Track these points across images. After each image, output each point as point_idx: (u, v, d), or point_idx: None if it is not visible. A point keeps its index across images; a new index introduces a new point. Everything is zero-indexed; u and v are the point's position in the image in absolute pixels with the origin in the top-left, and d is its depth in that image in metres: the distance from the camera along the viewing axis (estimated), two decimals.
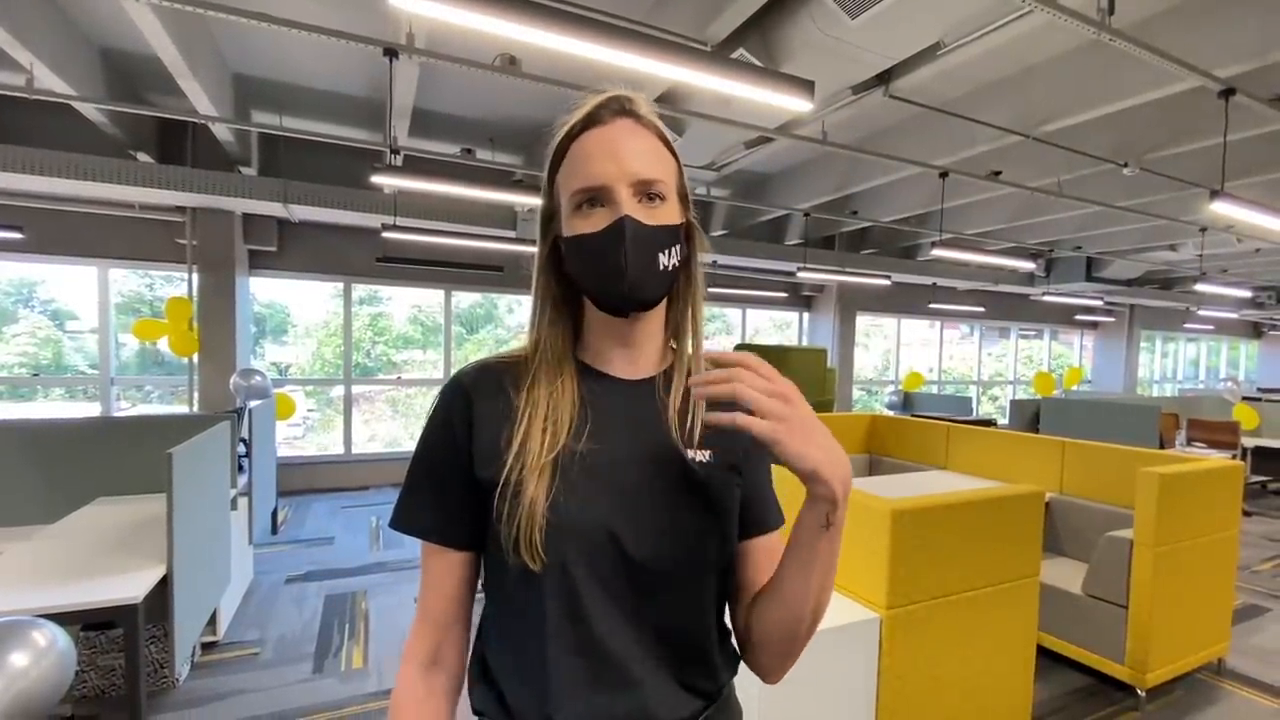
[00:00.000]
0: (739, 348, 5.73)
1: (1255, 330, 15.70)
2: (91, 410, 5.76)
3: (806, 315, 9.71)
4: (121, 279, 5.99)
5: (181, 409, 5.88)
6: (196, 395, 5.64)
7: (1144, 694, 2.57)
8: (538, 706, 0.65)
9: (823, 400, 5.72)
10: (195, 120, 4.08)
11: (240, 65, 4.24)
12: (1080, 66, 3.65)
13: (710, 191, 6.27)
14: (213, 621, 3.00)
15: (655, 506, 0.67)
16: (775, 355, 5.72)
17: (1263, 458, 6.20)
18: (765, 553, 0.75)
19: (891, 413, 8.63)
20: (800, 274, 7.10)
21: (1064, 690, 2.71)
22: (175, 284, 5.95)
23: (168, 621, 2.13)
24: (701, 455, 0.69)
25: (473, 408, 0.69)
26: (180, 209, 5.49)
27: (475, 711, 0.71)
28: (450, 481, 0.69)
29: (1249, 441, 6.19)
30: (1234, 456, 5.71)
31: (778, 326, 9.92)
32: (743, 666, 0.76)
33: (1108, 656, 2.64)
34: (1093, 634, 2.70)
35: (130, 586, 1.99)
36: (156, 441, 2.61)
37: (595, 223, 0.65)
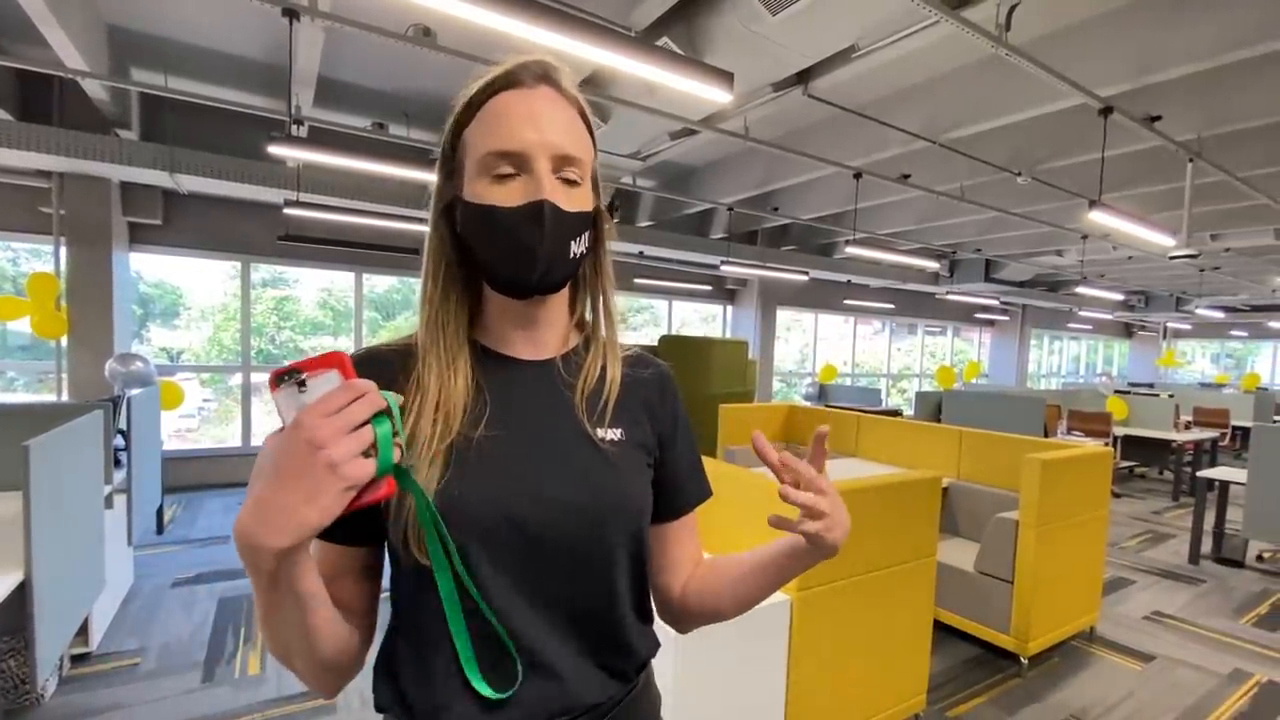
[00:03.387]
0: (663, 339, 5.76)
1: (1127, 330, 17.43)
2: None
3: (730, 308, 9.91)
4: None
5: (48, 398, 5.30)
6: (65, 382, 5.09)
7: (1026, 661, 2.78)
8: (436, 699, 0.62)
9: (743, 390, 5.85)
10: (62, 75, 3.65)
11: (116, 17, 3.82)
12: (981, 79, 3.88)
13: (636, 181, 6.25)
14: (84, 630, 2.72)
15: (560, 487, 0.64)
16: (699, 347, 5.79)
17: (1130, 445, 6.87)
18: (691, 528, 0.78)
19: (808, 403, 8.98)
20: (724, 268, 7.23)
21: (957, 660, 2.90)
22: (43, 258, 5.33)
23: (27, 632, 1.91)
24: (612, 434, 0.68)
25: None
26: (45, 174, 4.90)
27: (378, 708, 0.67)
28: None
29: (1119, 430, 6.84)
30: (1106, 444, 6.30)
31: (703, 319, 10.08)
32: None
33: (995, 628, 2.84)
34: (983, 608, 2.90)
35: None
36: (14, 433, 2.33)
37: (510, 195, 0.61)
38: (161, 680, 2.60)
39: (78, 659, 2.69)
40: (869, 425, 4.12)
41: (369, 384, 0.49)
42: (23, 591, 1.89)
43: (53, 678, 2.49)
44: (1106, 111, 3.50)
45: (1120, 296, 8.92)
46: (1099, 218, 4.08)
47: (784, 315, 10.09)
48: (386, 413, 0.49)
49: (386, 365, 0.66)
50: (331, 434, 0.46)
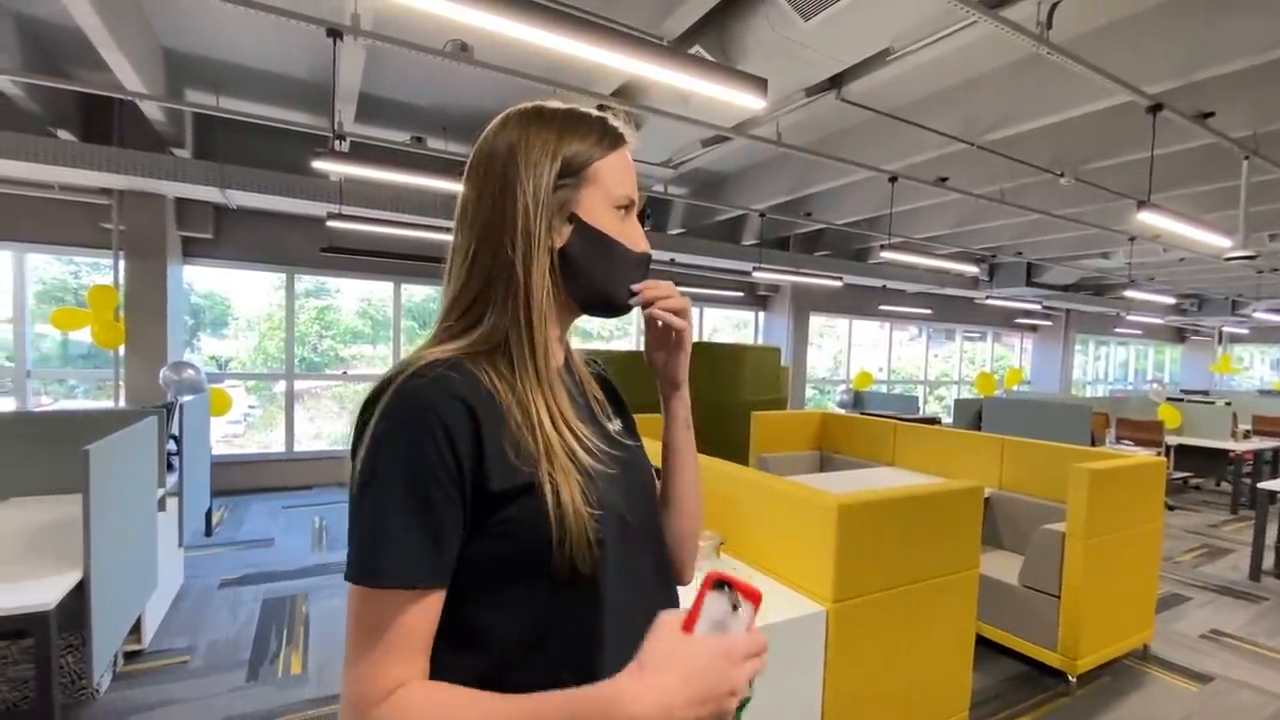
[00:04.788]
0: (695, 346, 5.72)
1: (1179, 335, 16.72)
2: (7, 405, 5.37)
3: (762, 314, 9.84)
4: (43, 265, 5.61)
5: (107, 404, 5.55)
6: (123, 389, 5.32)
7: (1075, 680, 2.68)
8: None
9: (776, 398, 5.79)
10: (122, 96, 3.84)
11: (172, 40, 4.00)
12: (1021, 79, 3.79)
13: (668, 189, 6.27)
14: (138, 629, 2.83)
15: (639, 479, 0.73)
16: (731, 354, 5.75)
17: (1184, 455, 6.57)
18: None
19: (842, 411, 8.83)
20: (756, 274, 7.19)
21: (1001, 678, 2.81)
22: (103, 271, 5.60)
23: (85, 629, 1.99)
24: (616, 425, 0.76)
25: (479, 420, 0.59)
26: (106, 191, 5.16)
27: None
28: (448, 510, 0.58)
29: (1172, 440, 6.56)
30: (1158, 454, 6.04)
31: (735, 326, 10.02)
32: None
33: (1042, 645, 2.74)
34: (1028, 623, 2.80)
35: (42, 592, 1.86)
36: (75, 438, 2.44)
37: (630, 236, 0.71)
38: (209, 678, 2.68)
39: (131, 656, 2.80)
40: (906, 433, 4.03)
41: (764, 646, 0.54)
42: (81, 590, 1.97)
43: (107, 674, 2.60)
44: (1155, 109, 3.38)
45: (1172, 300, 8.56)
46: (1149, 219, 3.93)
47: (817, 321, 9.97)
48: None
49: (477, 383, 0.62)
50: (743, 683, 0.52)
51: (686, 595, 0.68)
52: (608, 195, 0.68)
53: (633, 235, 0.71)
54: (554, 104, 0.69)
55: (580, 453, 0.64)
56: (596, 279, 0.69)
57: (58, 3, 2.84)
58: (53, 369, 5.76)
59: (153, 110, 4.22)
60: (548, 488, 0.59)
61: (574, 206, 0.66)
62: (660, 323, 0.73)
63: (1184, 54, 3.09)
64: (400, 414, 0.58)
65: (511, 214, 0.64)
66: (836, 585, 1.86)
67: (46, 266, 5.67)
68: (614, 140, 0.70)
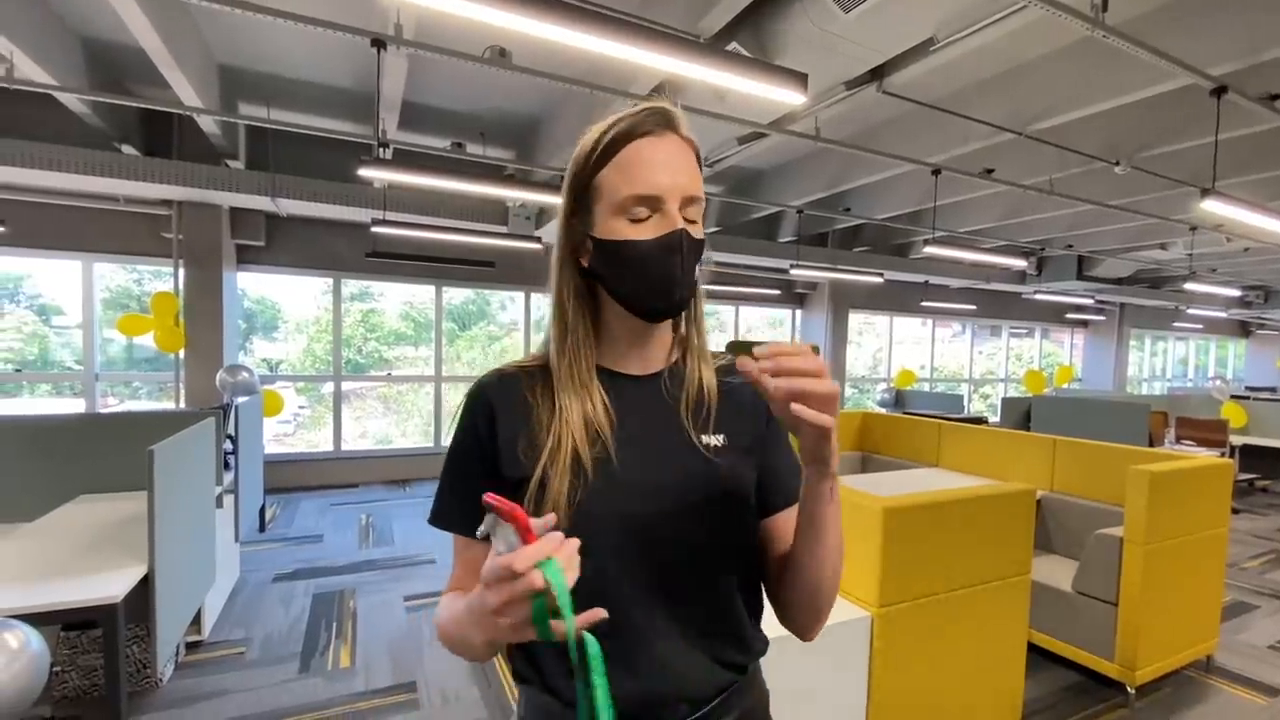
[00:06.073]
0: (730, 344, 5.70)
1: (1243, 329, 15.86)
2: (77, 406, 5.68)
3: (799, 313, 9.71)
4: (109, 273, 5.91)
5: (168, 405, 5.81)
6: (183, 391, 5.57)
7: (1133, 691, 2.57)
8: (569, 683, 0.68)
9: None
10: (180, 112, 4.02)
11: (226, 56, 4.17)
12: (1072, 64, 3.65)
13: (703, 187, 6.23)
14: (198, 620, 2.96)
15: (673, 492, 0.71)
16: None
17: (1250, 456, 6.24)
18: (790, 525, 0.77)
19: (883, 410, 8.65)
20: (793, 271, 7.09)
21: (1054, 688, 2.71)
22: (163, 279, 5.87)
23: (149, 621, 2.09)
24: (716, 440, 0.74)
25: (495, 413, 0.73)
26: (166, 202, 5.42)
27: (516, 678, 0.76)
28: (475, 481, 0.72)
29: (1237, 440, 6.23)
30: (1222, 454, 5.75)
31: (771, 324, 9.92)
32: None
33: (1097, 654, 2.64)
34: (1083, 631, 2.70)
35: (110, 585, 1.95)
36: (139, 438, 2.57)
37: (646, 230, 0.69)
38: (263, 669, 2.79)
39: (192, 646, 2.93)
40: (951, 433, 3.93)
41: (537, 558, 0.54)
42: (146, 583, 2.07)
43: (170, 663, 2.72)
44: (1219, 92, 3.21)
45: (1236, 292, 8.13)
46: (1213, 207, 3.74)
47: (856, 319, 9.79)
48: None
49: (514, 383, 0.75)
50: (497, 601, 0.55)
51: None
52: (610, 204, 0.69)
53: (649, 227, 0.69)
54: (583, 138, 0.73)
55: (587, 457, 0.69)
56: (622, 283, 0.72)
57: (122, 25, 2.99)
58: (118, 372, 6.07)
59: (209, 124, 4.41)
60: (535, 482, 0.69)
61: (590, 229, 0.72)
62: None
63: (1249, 33, 2.93)
64: (461, 405, 0.76)
65: (553, 260, 0.76)
66: (882, 590, 1.82)
67: (112, 275, 5.98)
68: (610, 147, 0.70)
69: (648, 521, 0.70)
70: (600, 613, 0.56)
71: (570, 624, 0.53)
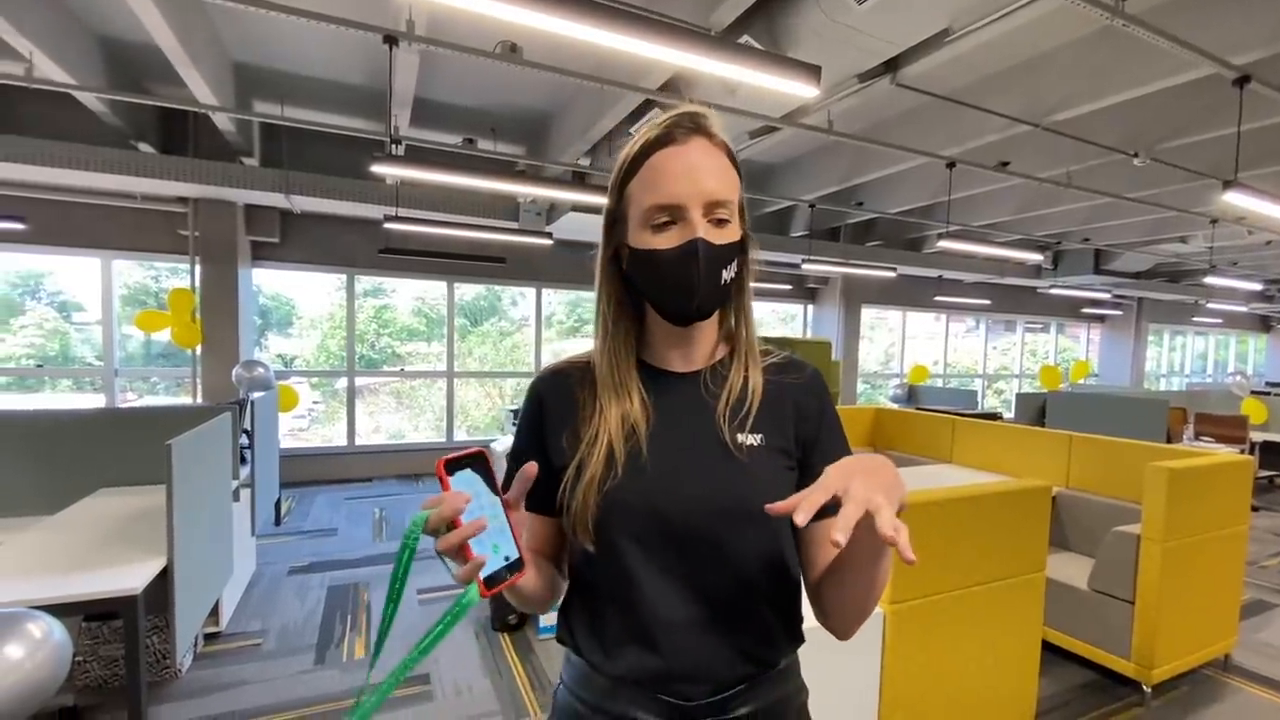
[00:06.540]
0: None
1: (1264, 324, 15.57)
2: (97, 401, 5.77)
3: (811, 308, 9.66)
4: (127, 270, 5.99)
5: (185, 401, 5.89)
6: (200, 387, 5.64)
7: (1150, 690, 2.54)
8: (596, 654, 0.76)
9: None
10: (196, 110, 4.06)
11: (240, 53, 4.21)
12: (1091, 54, 3.59)
13: None
14: (215, 612, 3.01)
15: (698, 488, 0.73)
16: (779, 348, 5.68)
17: (1271, 452, 6.14)
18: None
19: (896, 406, 8.59)
20: (805, 266, 7.06)
21: (1069, 685, 2.69)
22: (180, 275, 5.94)
23: (168, 612, 2.12)
24: (752, 439, 0.76)
25: (545, 408, 0.80)
26: (182, 200, 5.48)
27: (559, 640, 0.82)
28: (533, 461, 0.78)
29: (1257, 436, 6.13)
30: (1242, 451, 5.66)
31: (782, 319, 9.88)
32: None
33: (1113, 652, 2.61)
34: (1098, 629, 2.67)
35: (130, 577, 1.98)
36: (158, 433, 2.61)
37: (668, 239, 0.71)
38: (280, 660, 2.83)
39: (210, 637, 2.98)
40: (965, 429, 3.90)
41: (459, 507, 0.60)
42: (165, 575, 2.10)
43: (189, 654, 2.76)
44: (1242, 81, 3.15)
45: (1257, 286, 7.94)
46: (1235, 199, 3.68)
47: (868, 313, 9.72)
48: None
49: (565, 379, 0.81)
50: (445, 548, 0.60)
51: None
52: (637, 213, 0.73)
53: (671, 236, 0.71)
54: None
55: (620, 450, 0.73)
56: (650, 289, 0.76)
57: (138, 23, 3.02)
58: (137, 368, 6.16)
59: (224, 121, 4.45)
60: (572, 469, 0.74)
61: (624, 237, 0.76)
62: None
63: (1273, 21, 2.87)
64: (525, 396, 0.84)
65: (597, 264, 0.81)
66: (894, 586, 1.81)
67: (130, 271, 6.06)
68: (639, 157, 0.73)
69: (669, 513, 0.73)
70: (479, 560, 0.59)
71: (400, 563, 0.61)
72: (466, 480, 0.61)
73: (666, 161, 0.71)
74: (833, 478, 0.56)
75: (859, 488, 0.54)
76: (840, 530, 0.50)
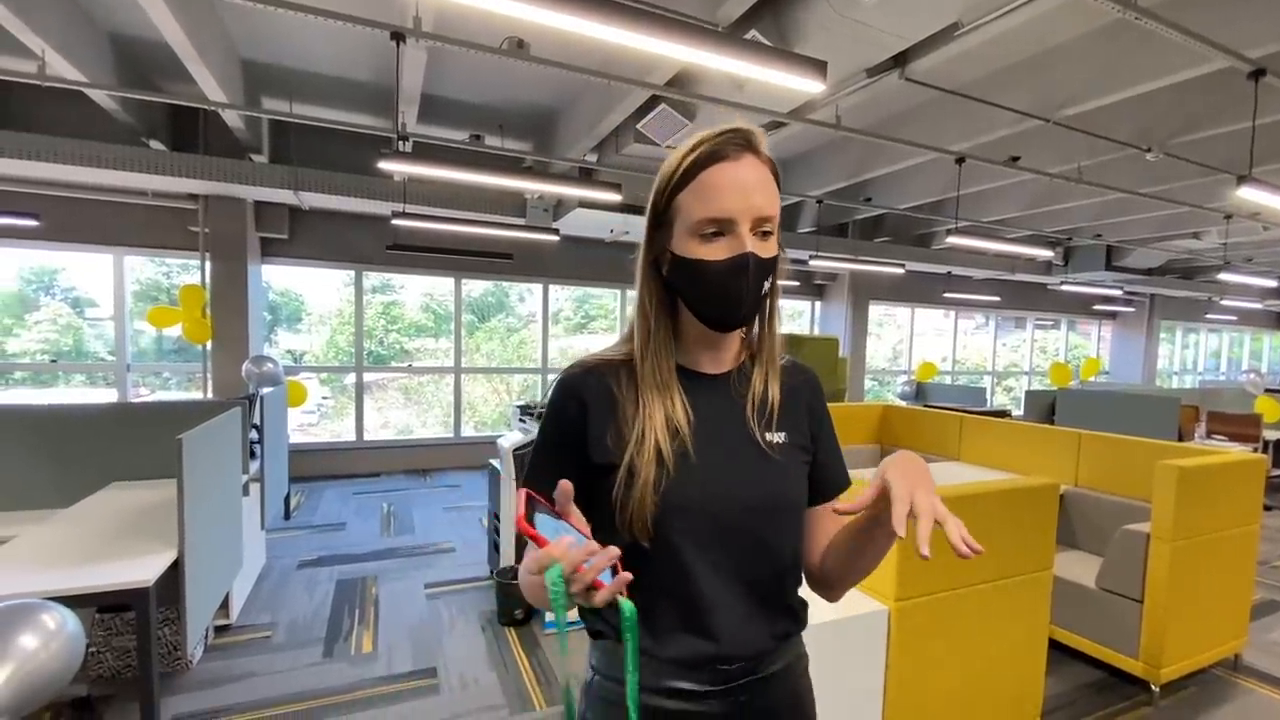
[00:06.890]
0: None
1: (1279, 321, 15.38)
2: (109, 396, 5.84)
3: (818, 304, 9.62)
4: (139, 266, 6.05)
5: (196, 395, 5.95)
6: (210, 382, 5.69)
7: (1157, 689, 2.53)
8: (644, 640, 0.77)
9: (835, 390, 5.66)
10: (206, 107, 4.08)
11: (249, 50, 4.22)
12: (1103, 48, 3.55)
13: None
14: (226, 605, 3.04)
15: (740, 485, 0.79)
16: (786, 344, 5.66)
17: None
18: (828, 513, 0.89)
19: (904, 403, 8.55)
20: (812, 262, 7.02)
21: (1076, 684, 2.68)
22: (191, 271, 5.99)
23: (180, 604, 2.15)
24: (777, 437, 0.83)
25: (585, 404, 0.82)
26: (193, 196, 5.52)
27: (592, 635, 0.85)
28: (566, 459, 0.81)
29: (1270, 435, 6.06)
30: (1255, 450, 5.60)
31: (789, 315, 9.84)
32: None
33: (1121, 651, 2.60)
34: (1106, 628, 2.66)
35: (142, 570, 2.01)
36: (169, 427, 2.64)
37: (717, 251, 0.75)
38: (289, 653, 2.86)
39: (220, 630, 3.01)
40: (973, 427, 3.88)
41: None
42: (176, 568, 2.13)
43: (200, 645, 2.80)
44: (1257, 75, 3.10)
45: (1272, 283, 7.87)
46: (1249, 194, 3.63)
47: (876, 310, 9.67)
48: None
49: (600, 376, 0.83)
50: (529, 589, 0.70)
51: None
52: (686, 224, 0.76)
53: (721, 248, 0.75)
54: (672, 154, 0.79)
55: (669, 450, 0.77)
56: (694, 296, 0.79)
57: (148, 20, 3.04)
58: (149, 363, 6.22)
59: (233, 118, 4.47)
60: (624, 469, 0.76)
61: (668, 244, 0.79)
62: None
63: None
64: (552, 393, 0.85)
65: (638, 268, 0.83)
66: (899, 584, 1.81)
67: (142, 268, 6.11)
68: (690, 170, 0.75)
69: (720, 510, 0.78)
70: (627, 576, 0.60)
71: (560, 615, 0.60)
72: (545, 524, 0.64)
73: (719, 176, 0.74)
74: (900, 488, 0.65)
75: (923, 500, 0.65)
76: (922, 541, 0.63)
